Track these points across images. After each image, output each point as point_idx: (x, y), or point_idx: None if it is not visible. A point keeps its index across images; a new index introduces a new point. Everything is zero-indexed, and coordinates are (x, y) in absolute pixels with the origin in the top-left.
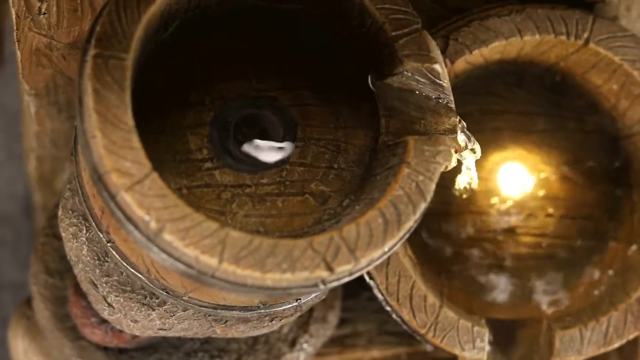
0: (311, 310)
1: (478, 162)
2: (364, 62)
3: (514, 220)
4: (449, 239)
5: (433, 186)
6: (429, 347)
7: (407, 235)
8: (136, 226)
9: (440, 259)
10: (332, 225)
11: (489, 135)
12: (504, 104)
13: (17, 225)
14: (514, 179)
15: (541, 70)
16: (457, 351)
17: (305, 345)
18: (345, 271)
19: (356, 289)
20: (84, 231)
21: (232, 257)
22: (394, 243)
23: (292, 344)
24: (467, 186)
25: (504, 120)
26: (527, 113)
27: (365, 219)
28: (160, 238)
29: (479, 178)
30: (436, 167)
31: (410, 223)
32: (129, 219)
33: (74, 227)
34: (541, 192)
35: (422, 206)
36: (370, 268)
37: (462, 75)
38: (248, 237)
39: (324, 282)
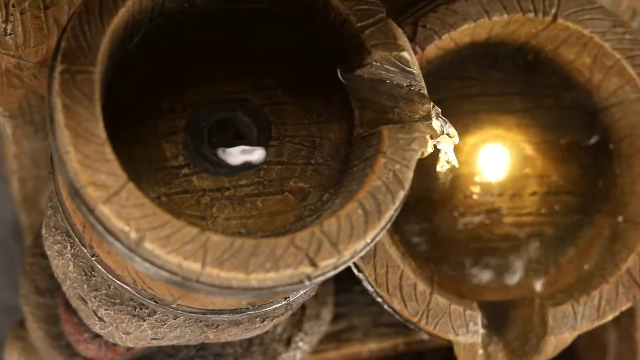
0: (304, 308)
1: (457, 146)
2: (332, 56)
3: (498, 201)
4: (435, 225)
5: (410, 174)
6: (425, 336)
7: (388, 225)
8: (117, 238)
9: (427, 246)
10: (314, 221)
11: (467, 118)
12: (479, 86)
13: (8, 249)
14: (495, 160)
15: (513, 50)
16: (451, 336)
17: (300, 344)
18: (329, 265)
19: (348, 283)
20: (69, 248)
21: (215, 261)
22: (376, 233)
23: (288, 343)
24: (448, 171)
25: (481, 103)
26: (502, 94)
27: (345, 212)
28: (141, 247)
29: (460, 162)
30: (412, 154)
31: (391, 212)
32: (109, 231)
33: (59, 245)
34: (523, 171)
35: (401, 194)
36: (354, 260)
37: (435, 61)
38: (229, 240)
39: (308, 277)
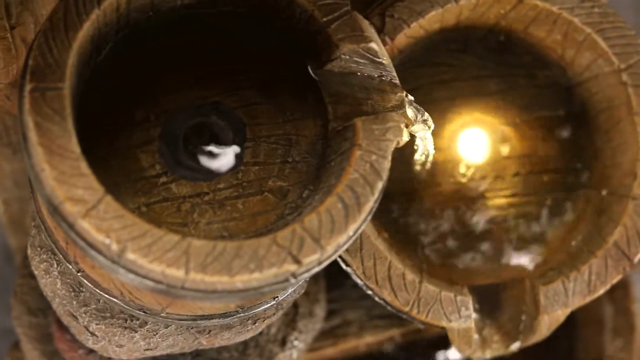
0: (297, 306)
1: (437, 133)
2: (302, 53)
3: (482, 185)
4: (420, 214)
5: (387, 164)
6: (420, 325)
7: (369, 217)
8: (99, 251)
9: (414, 236)
10: (295, 218)
11: (443, 105)
12: (453, 72)
13: (1, 272)
14: (475, 145)
15: (484, 33)
16: (444, 323)
17: (296, 342)
18: (313, 261)
19: (339, 278)
20: (55, 265)
21: (198, 266)
22: (358, 226)
23: (283, 343)
24: (427, 158)
25: (456, 88)
26: (477, 77)
27: (325, 207)
28: (124, 258)
29: (440, 148)
30: (387, 144)
31: (371, 204)
32: (91, 245)
33: (45, 263)
34: (504, 153)
35: (380, 185)
36: (338, 254)
37: (406, 50)
38: (211, 244)
39: (293, 275)
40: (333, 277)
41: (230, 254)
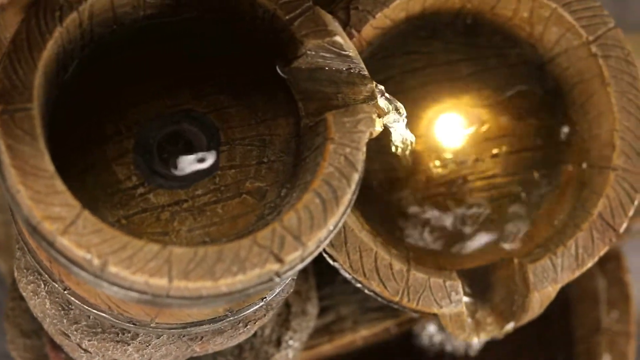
0: (289, 306)
1: (413, 122)
2: (269, 53)
3: (462, 169)
4: (403, 203)
5: (361, 155)
6: (413, 313)
7: (348, 209)
8: (81, 267)
9: (399, 225)
10: (275, 218)
11: (417, 93)
12: (423, 59)
13: None
14: (452, 130)
15: (451, 17)
16: (435, 309)
17: (291, 342)
18: (295, 259)
19: (330, 275)
20: (42, 286)
21: (181, 273)
22: (337, 219)
23: (278, 343)
24: (405, 146)
25: (428, 75)
26: (448, 62)
27: (303, 203)
28: (106, 272)
29: (418, 136)
30: (360, 136)
31: (348, 196)
32: (72, 261)
33: (32, 284)
34: (482, 135)
35: (356, 177)
36: (320, 250)
37: (375, 42)
38: (192, 250)
39: (277, 274)
40: (323, 274)
41: (212, 259)
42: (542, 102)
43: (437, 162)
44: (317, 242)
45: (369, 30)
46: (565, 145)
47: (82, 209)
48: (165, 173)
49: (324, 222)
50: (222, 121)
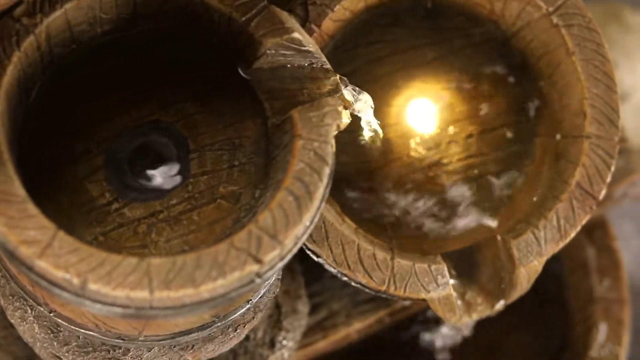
0: (279, 307)
1: (383, 110)
2: (229, 56)
3: (436, 153)
4: (381, 192)
5: (330, 148)
6: (402, 301)
7: (322, 203)
8: (62, 287)
9: (380, 214)
10: (251, 219)
11: (384, 81)
12: (387, 47)
13: None
14: (423, 115)
15: (410, 3)
16: (423, 295)
17: (284, 342)
18: (274, 258)
19: (317, 272)
20: (29, 311)
21: (162, 283)
22: (312, 215)
23: (272, 344)
24: (377, 136)
25: (393, 62)
26: (412, 48)
27: (277, 202)
28: (87, 290)
29: (390, 125)
30: (327, 129)
31: (321, 190)
32: (53, 283)
33: (19, 311)
34: (454, 117)
35: (326, 170)
36: (299, 246)
37: (337, 35)
38: (170, 260)
39: (258, 275)
40: (311, 271)
41: (191, 266)
42: (510, 78)
43: (412, 148)
44: (295, 239)
45: (329, 24)
46: (538, 119)
47: (57, 230)
48: (138, 186)
49: (299, 218)
50: (189, 129)
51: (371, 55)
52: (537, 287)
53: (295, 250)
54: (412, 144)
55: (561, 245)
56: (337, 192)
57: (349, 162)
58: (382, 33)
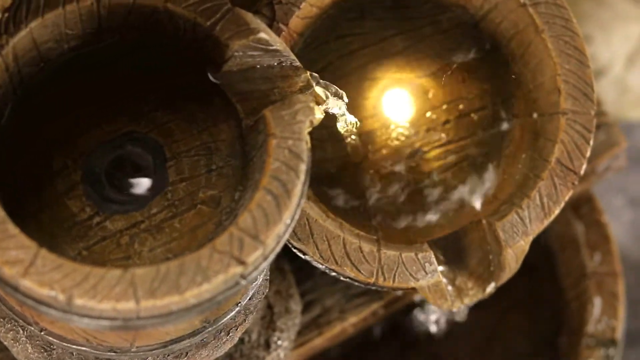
0: (271, 307)
1: (359, 103)
2: (197, 62)
3: (416, 141)
4: (365, 185)
5: (304, 145)
6: (398, 292)
7: (302, 200)
8: (48, 305)
9: (363, 207)
10: (232, 222)
11: (357, 74)
12: (358, 40)
13: None
14: (399, 104)
15: None
16: (412, 284)
17: (279, 342)
18: (258, 258)
19: (308, 269)
20: (21, 332)
21: (147, 293)
22: (292, 212)
23: (267, 346)
24: (353, 130)
25: (366, 55)
26: (383, 39)
27: (256, 203)
28: (73, 306)
29: (367, 117)
30: (300, 126)
31: (299, 187)
32: (39, 301)
33: (11, 332)
34: (430, 104)
35: (303, 167)
36: (282, 244)
37: (306, 32)
38: (154, 268)
39: (242, 276)
40: (302, 269)
41: (175, 273)
42: (482, 61)
43: (391, 139)
44: (276, 238)
45: (296, 22)
46: (513, 99)
47: (38, 248)
48: (117, 198)
49: (279, 217)
50: (164, 137)
51: (342, 50)
52: (529, 268)
53: (278, 249)
54: (391, 134)
55: (546, 223)
56: (319, 189)
57: (329, 157)
58: (351, 27)
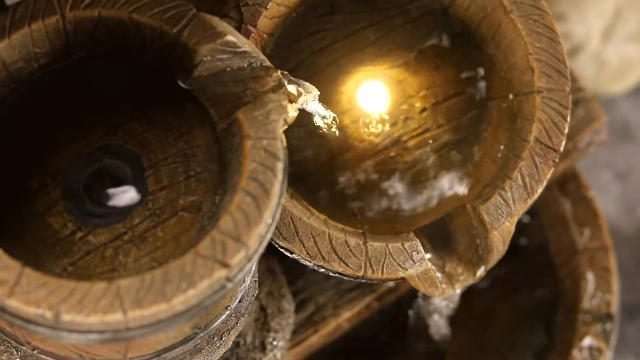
0: (264, 309)
1: (335, 98)
2: (167, 69)
3: (395, 131)
4: (347, 179)
5: (280, 144)
6: (390, 284)
7: (282, 199)
8: (36, 323)
9: (347, 201)
10: (213, 226)
11: (330, 70)
12: (329, 36)
13: None
14: (375, 96)
15: None
16: (401, 274)
17: (275, 342)
18: (242, 260)
19: (298, 268)
20: (15, 353)
21: (134, 303)
22: (273, 212)
23: (263, 347)
24: (331, 124)
25: (337, 50)
26: (354, 32)
27: (235, 205)
28: (61, 322)
29: (343, 111)
30: (274, 125)
31: (277, 186)
32: (27, 320)
33: (6, 354)
34: (405, 94)
35: (280, 166)
36: (265, 244)
37: (276, 32)
38: (139, 278)
39: (228, 279)
40: (293, 269)
41: (160, 281)
42: (454, 47)
43: (369, 132)
44: (259, 238)
45: (265, 23)
46: (488, 82)
47: (22, 267)
48: (99, 212)
49: (260, 217)
50: (141, 147)
51: (314, 47)
52: (521, 249)
53: (261, 249)
54: (369, 126)
55: (530, 202)
56: (302, 186)
57: (309, 155)
58: (321, 22)
